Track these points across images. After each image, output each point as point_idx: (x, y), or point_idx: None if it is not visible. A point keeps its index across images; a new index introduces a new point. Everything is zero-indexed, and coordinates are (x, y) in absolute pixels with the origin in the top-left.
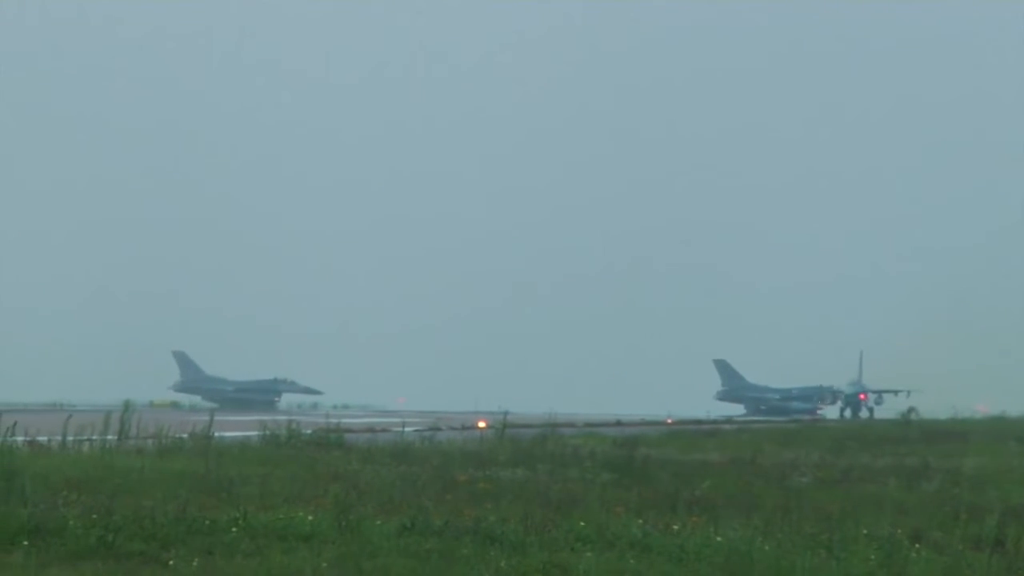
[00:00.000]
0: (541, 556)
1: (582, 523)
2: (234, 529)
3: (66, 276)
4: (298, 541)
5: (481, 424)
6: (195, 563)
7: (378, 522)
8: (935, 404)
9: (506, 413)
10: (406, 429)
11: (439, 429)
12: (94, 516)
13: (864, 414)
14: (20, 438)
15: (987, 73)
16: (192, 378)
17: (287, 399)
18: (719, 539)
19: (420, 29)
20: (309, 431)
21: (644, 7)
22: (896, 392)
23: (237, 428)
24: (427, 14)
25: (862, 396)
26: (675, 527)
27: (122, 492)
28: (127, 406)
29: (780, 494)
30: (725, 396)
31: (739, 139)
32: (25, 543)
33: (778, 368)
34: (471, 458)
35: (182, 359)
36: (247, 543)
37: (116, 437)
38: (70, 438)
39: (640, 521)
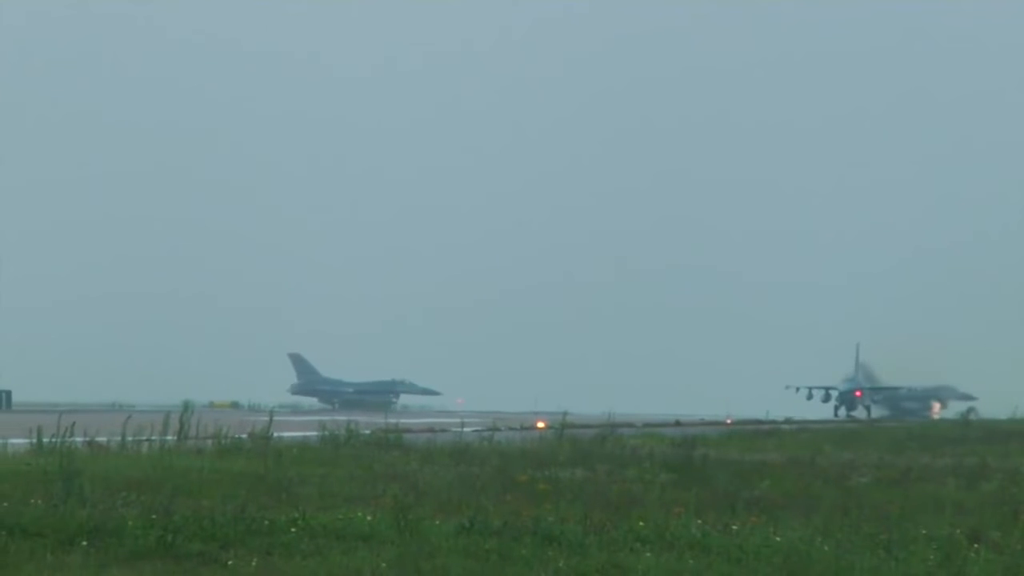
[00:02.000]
0: (600, 557)
1: (641, 523)
2: (293, 529)
3: (134, 280)
4: (357, 541)
5: (540, 424)
6: (254, 563)
7: (437, 522)
8: (993, 405)
9: (565, 413)
10: (465, 429)
11: (498, 429)
12: (153, 516)
13: (860, 413)
14: (79, 439)
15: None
16: (308, 380)
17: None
18: (778, 539)
19: (419, 29)
20: (368, 431)
21: (646, 5)
22: (895, 389)
23: (296, 428)
24: (427, 14)
25: (857, 393)
26: (734, 527)
27: (181, 492)
28: (186, 406)
29: (839, 494)
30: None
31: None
32: (84, 544)
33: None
34: (530, 458)
35: (298, 361)
36: (306, 543)
37: (175, 437)
38: (129, 439)
39: (699, 521)
